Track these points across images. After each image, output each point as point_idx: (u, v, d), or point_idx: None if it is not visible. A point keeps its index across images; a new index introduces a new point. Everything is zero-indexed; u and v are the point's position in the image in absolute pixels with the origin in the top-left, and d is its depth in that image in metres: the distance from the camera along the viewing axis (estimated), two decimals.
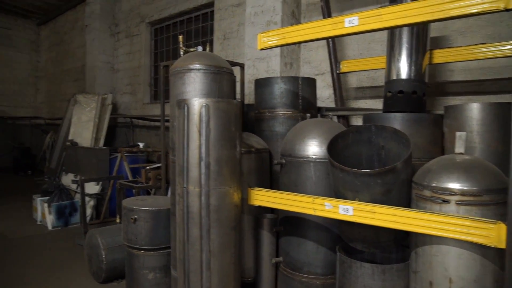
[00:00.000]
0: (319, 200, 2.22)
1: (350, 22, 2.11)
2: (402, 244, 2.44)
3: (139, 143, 6.26)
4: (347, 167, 2.14)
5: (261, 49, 2.58)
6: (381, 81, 3.99)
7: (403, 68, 2.89)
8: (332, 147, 2.36)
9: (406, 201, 2.19)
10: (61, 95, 10.55)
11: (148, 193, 4.90)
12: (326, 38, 2.36)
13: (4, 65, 11.33)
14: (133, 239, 3.04)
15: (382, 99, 3.97)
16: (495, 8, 1.76)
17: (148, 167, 3.70)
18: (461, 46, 3.11)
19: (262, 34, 2.56)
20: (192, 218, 2.23)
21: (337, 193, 2.28)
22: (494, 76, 3.34)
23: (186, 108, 2.19)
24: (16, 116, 11.42)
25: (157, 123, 6.76)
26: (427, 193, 1.99)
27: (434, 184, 1.96)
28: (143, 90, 7.47)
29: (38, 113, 11.81)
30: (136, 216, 2.97)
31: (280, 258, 2.90)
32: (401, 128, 2.53)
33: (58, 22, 10.79)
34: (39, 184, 6.64)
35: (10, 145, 11.04)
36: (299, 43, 2.47)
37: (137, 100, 7.60)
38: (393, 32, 2.97)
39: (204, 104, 2.15)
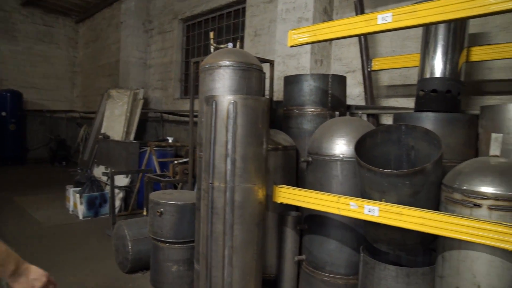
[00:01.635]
0: (344, 199, 2.19)
1: (384, 19, 2.06)
2: (429, 248, 2.36)
3: (168, 138, 6.37)
4: (374, 167, 2.09)
5: (291, 46, 2.56)
6: (414, 80, 3.86)
7: (438, 66, 2.80)
8: (360, 146, 2.32)
9: (434, 204, 2.12)
10: (96, 90, 10.89)
11: (176, 188, 4.98)
12: (359, 35, 2.32)
13: (46, 61, 11.83)
14: (159, 232, 3.10)
15: (414, 98, 3.89)
16: None
17: (175, 162, 3.76)
18: (502, 43, 2.97)
19: (292, 31, 2.54)
20: (216, 214, 2.24)
21: (364, 193, 2.24)
22: None
23: (214, 104, 2.20)
24: (54, 110, 11.89)
25: (187, 118, 6.86)
26: (457, 196, 1.92)
27: (465, 187, 1.88)
28: (173, 86, 7.59)
29: (74, 106, 12.25)
30: (162, 209, 3.03)
31: (303, 256, 2.88)
32: (433, 128, 2.45)
33: (95, 20, 11.12)
34: (73, 175, 6.89)
35: (48, 137, 11.54)
36: (330, 40, 2.43)
37: (168, 96, 7.73)
38: (428, 28, 2.87)
39: (232, 101, 2.15)
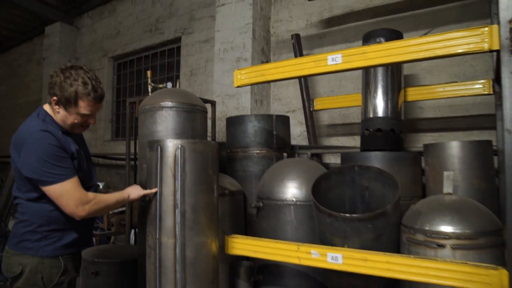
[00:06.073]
0: (304, 247, 2.05)
1: (334, 59, 2.04)
2: None
3: (99, 183, 5.86)
4: (330, 210, 2.00)
5: (238, 87, 2.46)
6: (353, 118, 3.98)
7: (380, 106, 2.87)
8: (315, 190, 2.23)
9: (396, 246, 2.07)
10: (12, 131, 9.78)
11: (108, 240, 4.52)
12: (308, 76, 2.29)
13: None
14: None
15: (354, 136, 3.97)
16: (479, 49, 1.74)
17: (110, 212, 3.40)
18: (434, 85, 3.16)
19: (238, 71, 2.44)
20: (165, 273, 1.98)
21: (324, 240, 2.13)
22: (462, 113, 3.41)
23: (159, 150, 1.99)
24: None
25: (119, 162, 6.41)
26: (420, 237, 1.88)
27: (427, 228, 1.85)
28: (104, 127, 7.11)
29: None
30: (97, 269, 2.65)
31: None
32: (381, 167, 2.45)
33: (12, 55, 10.26)
34: None
35: None
36: (279, 80, 2.37)
37: (98, 137, 7.22)
38: (367, 70, 2.97)
39: (180, 146, 1.96)
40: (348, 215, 1.91)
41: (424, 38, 1.83)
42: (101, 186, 5.68)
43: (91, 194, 1.92)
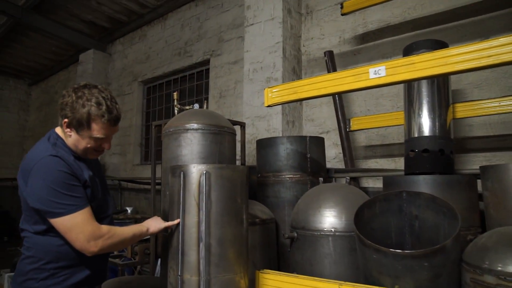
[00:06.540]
0: (347, 287, 1.77)
1: (376, 72, 1.81)
2: None
3: (127, 208, 5.76)
4: (374, 242, 1.73)
5: (269, 106, 2.25)
6: (392, 139, 3.68)
7: (426, 124, 2.58)
8: (358, 220, 1.96)
9: (456, 287, 1.76)
10: None
11: (134, 270, 4.34)
12: (347, 92, 2.07)
13: None
14: None
15: (394, 158, 3.66)
16: None
17: None
18: (488, 99, 2.84)
19: (269, 89, 2.25)
20: None
21: (369, 278, 1.83)
22: None
23: (182, 176, 1.79)
24: None
25: (147, 186, 6.32)
26: (490, 279, 1.56)
27: (499, 268, 1.54)
28: (133, 151, 7.09)
29: None
30: None
31: None
32: (431, 192, 2.15)
33: (50, 82, 10.64)
34: (12, 255, 5.98)
35: None
36: (314, 98, 2.15)
37: (127, 161, 7.19)
38: (410, 85, 2.70)
39: (205, 172, 1.76)
40: (399, 251, 1.63)
41: (485, 42, 1.57)
42: (129, 211, 5.57)
43: (104, 228, 1.73)
